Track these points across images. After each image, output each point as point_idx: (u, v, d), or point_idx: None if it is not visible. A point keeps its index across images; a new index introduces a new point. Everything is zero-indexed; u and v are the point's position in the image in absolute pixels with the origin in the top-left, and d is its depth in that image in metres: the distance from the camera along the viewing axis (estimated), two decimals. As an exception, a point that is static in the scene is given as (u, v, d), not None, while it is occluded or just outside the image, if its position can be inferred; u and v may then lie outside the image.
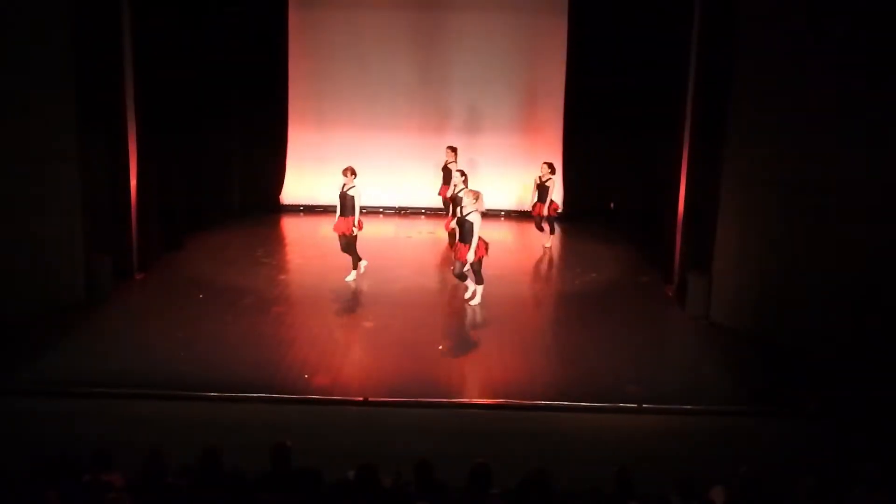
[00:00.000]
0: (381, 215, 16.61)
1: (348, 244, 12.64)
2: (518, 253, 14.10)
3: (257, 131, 16.28)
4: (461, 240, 11.69)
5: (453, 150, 14.59)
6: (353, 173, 12.50)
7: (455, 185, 13.02)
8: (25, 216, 10.92)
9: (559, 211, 14.70)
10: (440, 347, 10.72)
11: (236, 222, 15.41)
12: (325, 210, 16.46)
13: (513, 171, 16.63)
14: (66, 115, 11.20)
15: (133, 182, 12.42)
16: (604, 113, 15.71)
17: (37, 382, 9.58)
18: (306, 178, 16.47)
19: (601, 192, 16.30)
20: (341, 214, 12.55)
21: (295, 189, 16.67)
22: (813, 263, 10.64)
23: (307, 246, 13.66)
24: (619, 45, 15.25)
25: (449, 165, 14.33)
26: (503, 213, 16.85)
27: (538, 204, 14.31)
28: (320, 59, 16.47)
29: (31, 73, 10.81)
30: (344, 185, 12.50)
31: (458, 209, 11.96)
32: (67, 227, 11.38)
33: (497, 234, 15.81)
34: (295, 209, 16.64)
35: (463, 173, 13.05)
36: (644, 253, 14.32)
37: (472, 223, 11.48)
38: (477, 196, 11.67)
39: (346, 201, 12.44)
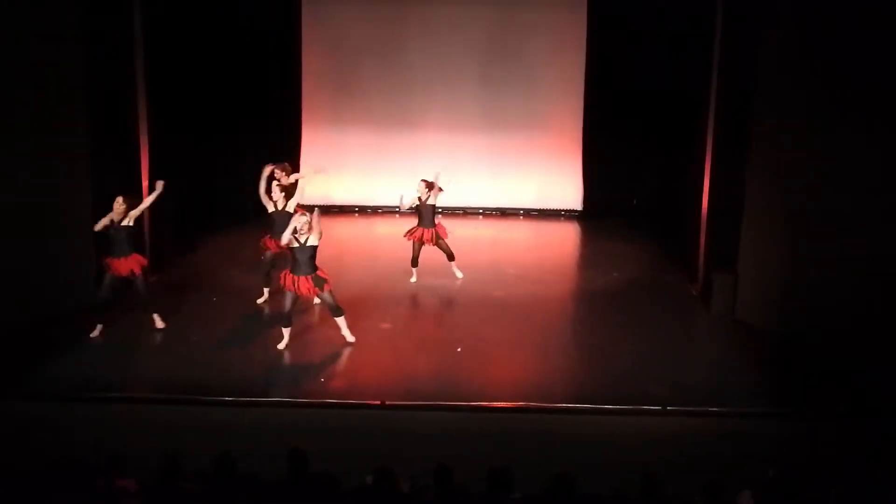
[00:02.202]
0: (397, 215, 16.46)
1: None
2: (538, 251, 13.92)
3: (270, 131, 16.15)
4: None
5: (284, 169, 12.54)
6: (130, 206, 10.50)
7: (275, 202, 11.75)
8: (36, 219, 10.81)
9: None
10: (458, 349, 10.56)
11: (250, 223, 15.29)
12: (341, 210, 16.41)
13: (532, 170, 16.47)
14: (78, 116, 11.10)
15: (145, 183, 12.31)
16: (625, 109, 15.56)
17: (49, 387, 9.48)
18: (321, 178, 16.35)
19: (622, 189, 16.15)
20: (120, 255, 10.52)
21: (309, 189, 16.49)
22: (840, 261, 10.46)
23: (322, 246, 13.49)
24: (641, 40, 15.09)
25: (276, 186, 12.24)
26: (521, 212, 16.70)
27: (424, 230, 12.47)
28: (334, 56, 16.35)
29: (43, 74, 10.73)
30: (114, 219, 10.44)
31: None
32: (78, 229, 11.26)
33: (517, 233, 15.74)
34: (309, 209, 16.46)
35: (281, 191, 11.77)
36: (666, 251, 14.14)
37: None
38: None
39: (121, 235, 10.49)
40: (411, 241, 12.56)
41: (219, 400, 9.28)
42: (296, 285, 10.26)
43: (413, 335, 10.97)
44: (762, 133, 10.95)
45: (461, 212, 16.59)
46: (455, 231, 15.12)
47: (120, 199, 10.42)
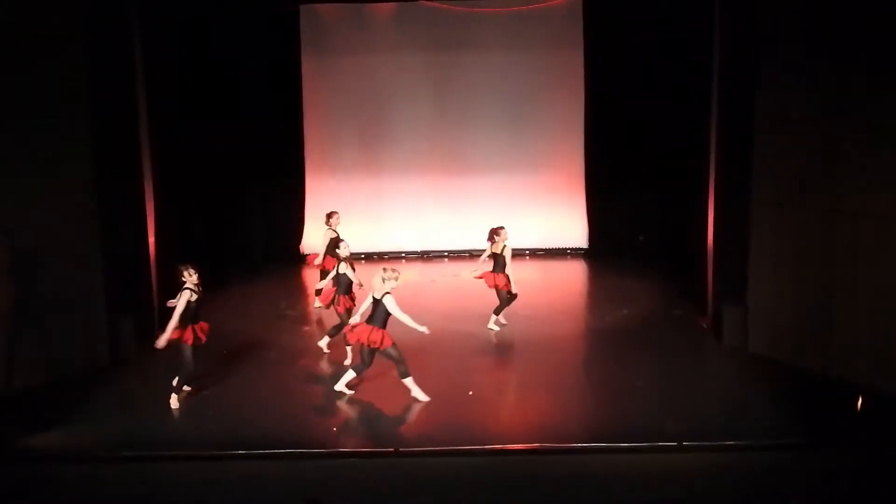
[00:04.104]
0: (403, 260, 16.49)
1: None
2: (547, 292, 13.88)
3: (274, 182, 16.24)
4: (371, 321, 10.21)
5: (330, 214, 13.40)
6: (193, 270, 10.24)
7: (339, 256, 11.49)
8: (46, 279, 10.80)
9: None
10: (470, 393, 10.49)
11: (258, 275, 15.33)
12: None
13: (536, 209, 16.49)
14: (84, 173, 11.12)
15: (151, 239, 12.31)
16: (626, 146, 15.62)
17: (62, 447, 9.40)
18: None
19: (626, 226, 16.15)
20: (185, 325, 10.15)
21: (315, 238, 16.57)
22: (851, 288, 10.37)
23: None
24: (639, 76, 15.19)
25: (329, 233, 13.13)
26: (528, 252, 16.70)
27: (498, 275, 12.46)
28: (335, 106, 16.48)
29: (49, 132, 10.77)
30: (186, 288, 10.15)
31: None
32: (88, 288, 11.24)
33: (524, 274, 15.66)
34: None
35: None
36: (675, 286, 14.14)
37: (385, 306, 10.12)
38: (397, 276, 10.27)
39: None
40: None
41: (232, 454, 9.22)
42: (357, 332, 10.22)
43: (423, 380, 10.87)
44: (765, 161, 10.95)
45: (466, 254, 16.62)
46: (461, 273, 15.19)
47: (191, 270, 10.16)
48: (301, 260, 16.62)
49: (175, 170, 13.26)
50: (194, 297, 10.13)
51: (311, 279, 15.91)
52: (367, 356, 10.29)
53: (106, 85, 11.39)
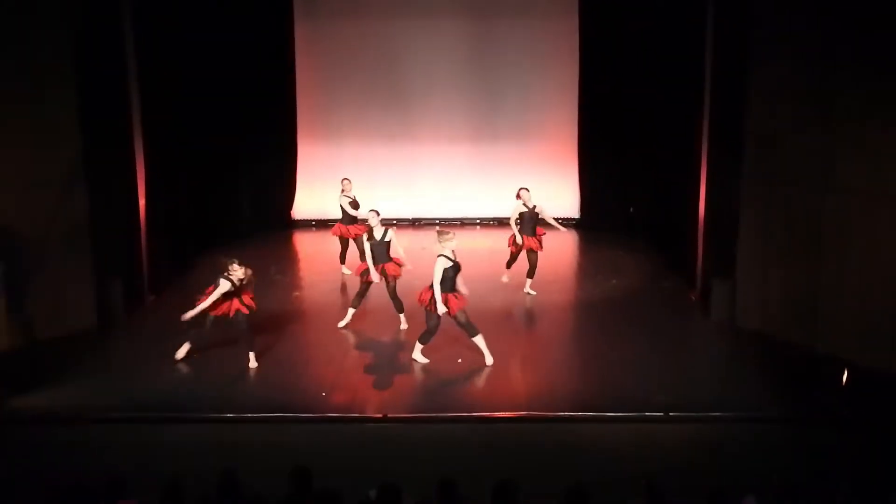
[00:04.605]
0: (394, 227, 16.45)
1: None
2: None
3: (266, 147, 16.13)
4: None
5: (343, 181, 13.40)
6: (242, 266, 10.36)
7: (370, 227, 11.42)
8: (34, 241, 10.76)
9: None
10: (459, 360, 10.53)
11: (248, 240, 15.27)
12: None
13: (528, 178, 16.43)
14: (73, 136, 11.05)
15: (142, 202, 12.27)
16: (619, 117, 15.56)
17: (50, 409, 9.42)
18: (317, 193, 16.34)
19: (618, 198, 16.13)
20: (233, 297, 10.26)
21: (306, 204, 16.56)
22: (839, 264, 10.41)
23: (320, 261, 13.56)
24: (633, 48, 15.12)
25: (343, 199, 13.33)
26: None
27: (525, 237, 12.61)
28: (328, 70, 16.39)
29: (37, 96, 10.72)
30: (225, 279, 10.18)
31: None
32: (77, 251, 11.21)
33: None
34: (307, 224, 16.55)
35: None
36: (664, 258, 14.16)
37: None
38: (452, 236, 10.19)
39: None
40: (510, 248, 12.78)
41: (220, 417, 9.27)
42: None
43: (413, 348, 10.93)
44: (757, 135, 10.94)
45: (458, 222, 16.61)
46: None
47: (237, 265, 10.20)
48: (292, 225, 16.61)
49: (166, 134, 13.17)
50: (231, 289, 10.10)
51: (302, 245, 15.93)
52: (463, 321, 10.25)
53: (95, 49, 11.29)
